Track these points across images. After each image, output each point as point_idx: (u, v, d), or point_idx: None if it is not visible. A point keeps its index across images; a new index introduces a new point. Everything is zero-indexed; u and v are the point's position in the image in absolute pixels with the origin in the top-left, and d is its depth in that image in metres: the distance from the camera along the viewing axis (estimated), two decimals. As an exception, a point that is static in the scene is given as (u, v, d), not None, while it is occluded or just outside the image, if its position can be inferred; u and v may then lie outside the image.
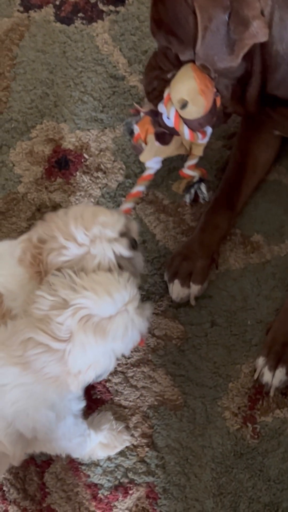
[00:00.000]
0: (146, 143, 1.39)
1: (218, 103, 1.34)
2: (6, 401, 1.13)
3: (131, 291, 1.12)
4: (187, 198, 1.51)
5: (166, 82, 1.35)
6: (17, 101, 1.72)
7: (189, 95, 1.28)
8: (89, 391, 1.46)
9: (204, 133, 1.38)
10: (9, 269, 1.20)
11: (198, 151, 1.43)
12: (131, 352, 1.47)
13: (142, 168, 1.61)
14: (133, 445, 1.43)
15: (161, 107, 1.34)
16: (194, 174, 1.47)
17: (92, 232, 1.14)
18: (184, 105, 1.29)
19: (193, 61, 1.29)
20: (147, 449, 1.43)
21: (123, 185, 1.62)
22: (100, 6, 1.80)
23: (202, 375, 1.47)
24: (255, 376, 1.44)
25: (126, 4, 1.80)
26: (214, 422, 1.44)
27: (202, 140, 1.40)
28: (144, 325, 1.15)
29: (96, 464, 1.42)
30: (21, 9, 1.81)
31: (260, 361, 1.44)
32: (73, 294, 1.08)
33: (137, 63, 1.73)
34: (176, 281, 1.50)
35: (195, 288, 1.50)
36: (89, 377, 1.13)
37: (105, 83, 1.72)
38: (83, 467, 1.42)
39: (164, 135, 1.37)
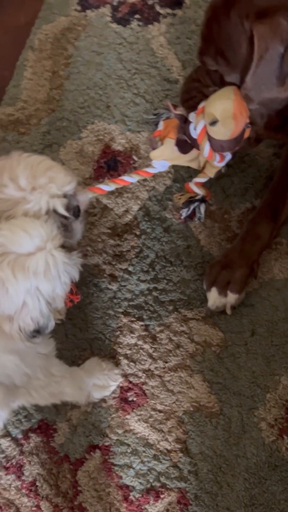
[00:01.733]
0: (162, 143, 1.38)
1: (246, 135, 1.32)
2: None
3: (49, 230, 1.10)
4: (184, 213, 1.43)
5: (204, 96, 1.34)
6: (70, 100, 1.73)
7: (221, 115, 1.26)
8: (125, 393, 1.47)
9: (222, 157, 1.36)
10: None
11: (211, 172, 1.40)
12: (170, 356, 1.48)
13: (190, 173, 1.61)
14: (166, 449, 1.43)
15: (192, 116, 1.33)
16: (199, 192, 1.42)
17: (37, 181, 1.13)
18: (214, 122, 1.27)
19: (237, 85, 1.28)
20: (180, 454, 1.43)
21: (170, 189, 1.61)
22: (157, 8, 1.80)
23: (240, 384, 1.46)
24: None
25: (184, 7, 1.79)
26: (249, 432, 1.43)
27: (218, 163, 1.37)
28: (73, 270, 1.13)
29: (129, 466, 1.43)
30: (79, 8, 1.83)
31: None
32: None
33: (192, 67, 1.71)
34: (214, 289, 1.49)
35: (232, 297, 1.49)
36: (27, 324, 1.10)
37: (158, 85, 1.72)
38: (116, 468, 1.43)
39: (185, 143, 1.35)
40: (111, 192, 1.62)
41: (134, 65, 1.73)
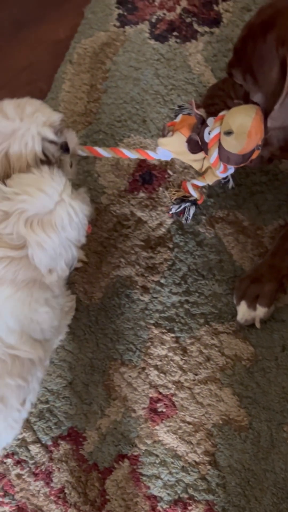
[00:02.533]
0: (173, 134, 1.38)
1: (254, 156, 1.34)
2: (4, 317, 1.17)
3: (60, 180, 1.15)
4: (173, 209, 1.46)
5: (226, 106, 1.37)
6: (107, 113, 1.76)
7: (237, 129, 1.28)
8: (155, 404, 1.48)
9: (225, 169, 1.37)
10: None
11: (210, 179, 1.42)
12: (200, 368, 1.49)
13: (224, 188, 1.63)
14: (195, 461, 1.44)
15: (210, 121, 1.34)
16: (194, 194, 1.44)
17: (24, 112, 1.18)
18: (228, 133, 1.28)
19: (259, 104, 1.30)
20: (209, 467, 1.43)
21: (204, 203, 1.63)
22: (195, 26, 1.83)
23: (270, 398, 1.47)
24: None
25: (221, 26, 1.82)
26: (278, 447, 1.43)
27: (220, 174, 1.39)
28: (85, 208, 1.19)
29: (157, 476, 1.44)
30: (118, 24, 1.86)
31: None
32: (9, 203, 1.13)
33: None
34: (243, 303, 1.50)
35: (261, 311, 1.50)
36: (62, 271, 1.18)
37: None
38: (144, 478, 1.44)
39: (195, 144, 1.36)
40: (145, 205, 1.65)
41: (171, 81, 1.76)
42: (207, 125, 1.35)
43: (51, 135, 1.21)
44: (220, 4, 1.84)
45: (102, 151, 1.39)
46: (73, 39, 1.85)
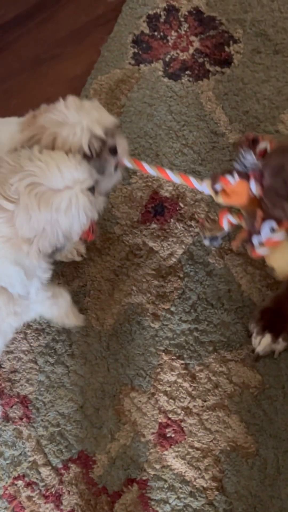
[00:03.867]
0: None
1: None
2: None
3: (81, 172, 1.20)
4: (207, 242, 1.51)
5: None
6: (121, 147, 1.82)
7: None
8: (164, 429, 1.52)
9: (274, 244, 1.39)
10: (9, 129, 1.33)
11: (245, 240, 1.44)
12: (208, 395, 1.53)
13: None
14: (203, 487, 1.47)
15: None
16: (226, 229, 1.46)
17: (83, 107, 1.26)
18: (273, 230, 1.33)
19: None
20: (216, 492, 1.46)
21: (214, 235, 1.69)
22: (207, 66, 1.91)
23: (277, 426, 1.50)
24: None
25: (232, 66, 1.90)
26: (285, 474, 1.46)
27: (257, 248, 1.39)
28: (89, 208, 1.23)
29: (165, 501, 1.46)
30: (133, 62, 1.94)
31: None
32: (26, 161, 1.18)
33: (238, 121, 1.81)
34: (268, 336, 1.53)
35: (282, 345, 1.54)
36: (44, 247, 1.22)
37: (206, 138, 1.81)
38: (153, 503, 1.46)
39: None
40: (157, 236, 1.70)
41: (183, 117, 1.83)
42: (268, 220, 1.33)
43: (99, 132, 1.27)
44: (231, 46, 1.92)
45: (147, 167, 1.42)
46: (89, 76, 1.93)
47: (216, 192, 1.38)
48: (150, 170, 1.42)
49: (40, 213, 1.18)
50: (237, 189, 1.36)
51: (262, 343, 1.54)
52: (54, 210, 1.18)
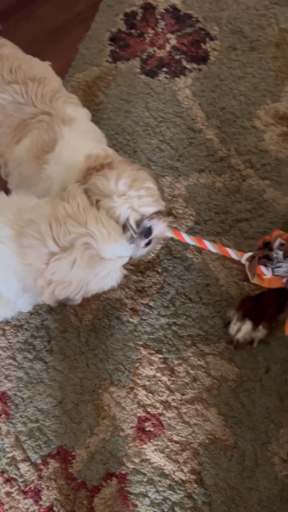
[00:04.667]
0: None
1: None
2: None
3: (127, 250, 1.29)
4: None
5: None
6: (99, 144, 1.83)
7: None
8: (143, 423, 1.52)
9: None
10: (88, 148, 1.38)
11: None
12: (187, 388, 1.54)
13: (211, 216, 1.70)
14: (181, 480, 1.47)
15: None
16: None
17: (130, 191, 1.30)
18: None
19: None
20: (195, 485, 1.47)
21: (192, 230, 1.70)
22: (184, 63, 1.92)
23: (254, 418, 1.51)
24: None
25: (208, 63, 1.91)
26: (262, 466, 1.47)
27: None
28: (117, 281, 1.32)
29: (144, 495, 1.46)
30: (110, 59, 1.95)
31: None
32: (92, 221, 1.23)
33: (215, 118, 1.83)
34: (248, 323, 1.56)
35: (262, 333, 1.56)
36: (59, 293, 1.27)
37: (183, 134, 1.82)
38: (132, 496, 1.46)
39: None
40: (135, 231, 1.71)
41: (161, 114, 1.84)
42: None
43: (132, 222, 1.32)
44: (207, 43, 1.94)
45: (186, 237, 1.51)
46: (67, 73, 1.94)
47: (252, 274, 1.51)
48: (189, 240, 1.51)
49: (80, 271, 1.24)
50: (272, 279, 1.51)
51: (242, 329, 1.56)
52: (92, 273, 1.25)
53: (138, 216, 1.31)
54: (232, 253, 1.51)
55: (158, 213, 1.36)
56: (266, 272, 1.49)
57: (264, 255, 1.50)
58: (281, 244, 1.49)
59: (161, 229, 1.40)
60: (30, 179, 1.43)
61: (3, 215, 1.27)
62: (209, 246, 1.52)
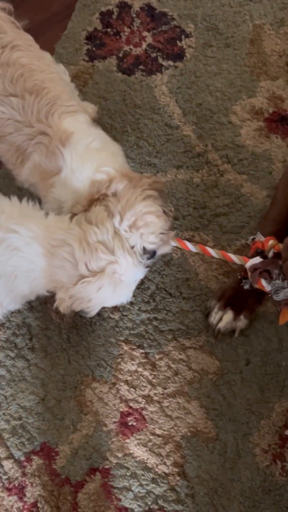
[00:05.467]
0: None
1: None
2: (7, 259, 1.33)
3: (142, 274, 1.39)
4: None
5: None
6: (77, 142, 1.84)
7: None
8: (125, 418, 1.53)
9: None
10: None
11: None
12: (168, 382, 1.55)
13: (190, 211, 1.71)
14: (164, 473, 1.48)
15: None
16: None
17: (136, 224, 1.33)
18: None
19: None
20: (178, 478, 1.48)
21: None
22: (160, 60, 1.94)
23: (235, 410, 1.53)
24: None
25: (184, 60, 1.93)
26: (244, 457, 1.49)
27: None
28: (128, 299, 1.41)
29: (128, 488, 1.47)
30: (87, 58, 1.95)
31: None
32: (120, 249, 1.31)
33: (191, 114, 1.84)
34: (229, 312, 1.58)
35: (244, 323, 1.58)
36: (76, 307, 1.36)
37: (160, 130, 1.83)
38: (115, 491, 1.47)
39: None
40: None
41: (138, 111, 1.85)
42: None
43: (138, 253, 1.36)
44: (183, 40, 1.95)
45: (190, 245, 1.52)
46: (44, 72, 1.94)
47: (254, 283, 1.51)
48: (192, 247, 1.52)
49: (104, 292, 1.33)
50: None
51: (224, 319, 1.57)
52: (113, 295, 1.34)
53: (141, 252, 1.36)
54: (235, 259, 1.51)
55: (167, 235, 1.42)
56: (267, 287, 1.47)
57: (265, 269, 1.50)
58: (274, 254, 1.48)
59: (165, 250, 1.43)
60: (41, 196, 1.47)
61: (31, 229, 1.33)
62: (212, 252, 1.53)
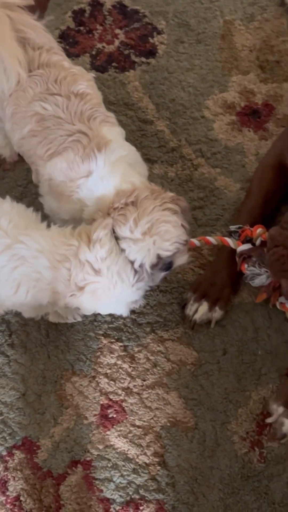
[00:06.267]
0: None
1: None
2: (15, 267, 1.37)
3: (135, 297, 1.40)
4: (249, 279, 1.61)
5: None
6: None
7: None
8: (105, 410, 1.55)
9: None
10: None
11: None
12: (147, 374, 1.57)
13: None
14: (145, 463, 1.50)
15: (284, 283, 1.51)
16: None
17: (150, 232, 1.35)
18: None
19: None
20: (158, 467, 1.50)
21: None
22: (133, 57, 1.96)
23: (213, 399, 1.55)
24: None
25: (157, 57, 1.95)
26: (223, 445, 1.51)
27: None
28: (127, 313, 1.44)
29: (109, 479, 1.49)
30: (60, 57, 1.97)
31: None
32: (104, 271, 1.34)
33: (165, 109, 1.87)
34: (205, 303, 1.60)
35: (219, 313, 1.61)
36: (69, 305, 1.41)
37: (134, 126, 1.85)
38: (97, 482, 1.49)
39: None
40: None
41: (112, 107, 1.87)
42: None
43: (147, 267, 1.36)
44: (155, 37, 1.98)
45: (195, 241, 1.59)
46: (18, 71, 1.95)
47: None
48: (197, 242, 1.60)
49: (90, 307, 1.40)
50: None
51: (199, 310, 1.60)
52: (101, 305, 1.40)
53: (154, 260, 1.36)
54: (230, 243, 1.58)
55: (183, 247, 1.42)
56: (246, 272, 1.56)
57: (249, 255, 1.55)
58: (262, 242, 1.54)
59: (182, 261, 1.44)
60: (61, 196, 1.47)
61: (38, 242, 1.37)
62: (212, 240, 1.61)
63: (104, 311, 1.47)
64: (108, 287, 1.35)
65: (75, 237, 1.38)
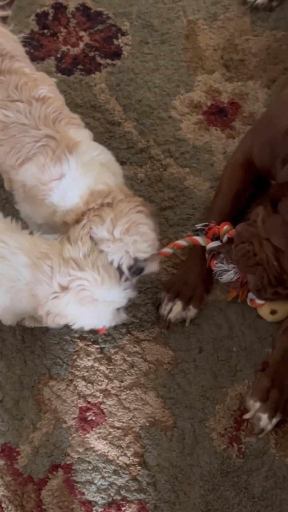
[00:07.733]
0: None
1: None
2: None
3: (123, 297, 1.38)
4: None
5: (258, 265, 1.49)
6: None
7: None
8: (84, 413, 1.55)
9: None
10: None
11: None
12: (125, 375, 1.58)
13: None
14: (125, 464, 1.51)
15: (250, 278, 1.52)
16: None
17: (125, 236, 1.35)
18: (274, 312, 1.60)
19: None
20: (139, 467, 1.51)
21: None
22: (98, 59, 1.96)
23: (191, 397, 1.57)
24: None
25: (122, 58, 1.96)
26: (202, 442, 1.53)
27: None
28: (111, 322, 1.42)
29: (90, 482, 1.50)
30: (25, 60, 1.96)
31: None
32: (89, 266, 1.33)
33: (132, 110, 1.87)
34: (179, 303, 1.61)
35: (193, 312, 1.62)
36: (58, 322, 1.39)
37: (102, 128, 1.86)
38: (78, 485, 1.50)
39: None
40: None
41: (79, 110, 1.86)
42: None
43: (124, 269, 1.37)
44: (119, 38, 1.98)
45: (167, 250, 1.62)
46: (-17, 76, 1.94)
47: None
48: (169, 250, 1.62)
49: (74, 309, 1.35)
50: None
51: (173, 310, 1.62)
52: (86, 311, 1.35)
53: (131, 261, 1.37)
54: (201, 241, 1.60)
55: (155, 256, 1.43)
56: (214, 268, 1.59)
57: (219, 252, 1.58)
58: (229, 239, 1.57)
59: (152, 268, 1.45)
60: (35, 200, 1.46)
61: (18, 241, 1.37)
62: (183, 242, 1.62)
63: (87, 320, 1.41)
64: (95, 283, 1.33)
65: (57, 240, 1.39)
